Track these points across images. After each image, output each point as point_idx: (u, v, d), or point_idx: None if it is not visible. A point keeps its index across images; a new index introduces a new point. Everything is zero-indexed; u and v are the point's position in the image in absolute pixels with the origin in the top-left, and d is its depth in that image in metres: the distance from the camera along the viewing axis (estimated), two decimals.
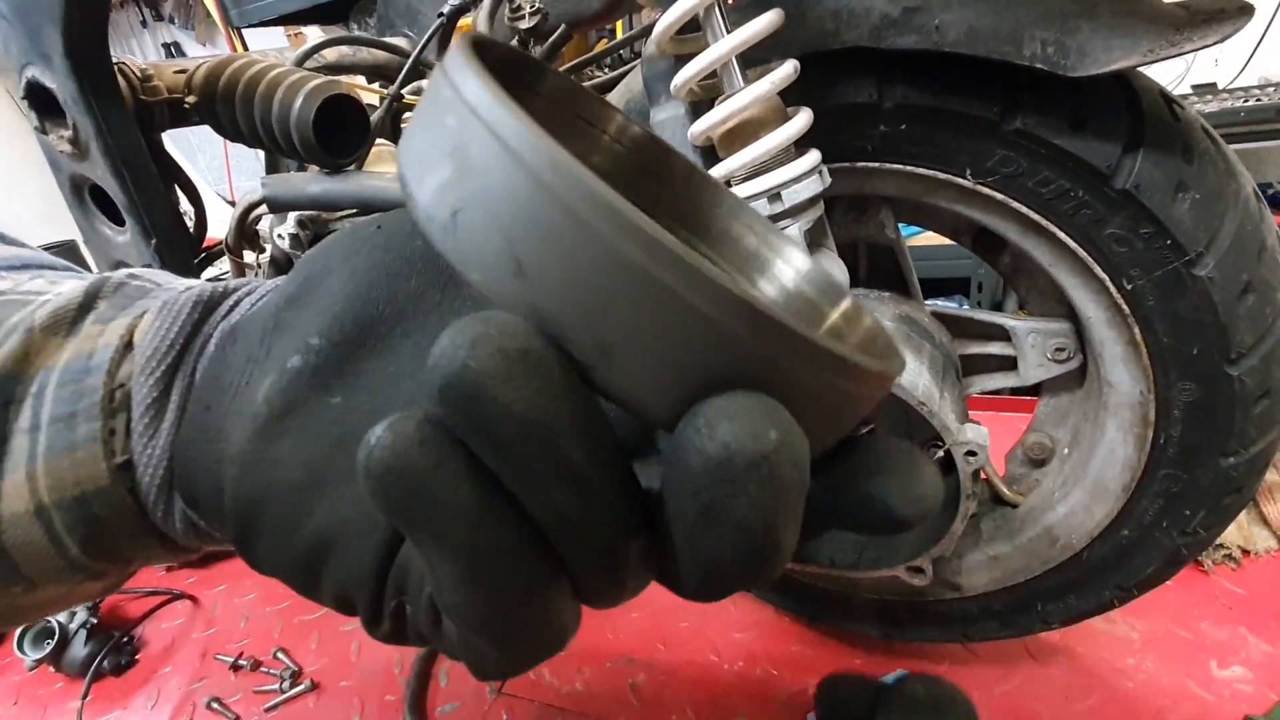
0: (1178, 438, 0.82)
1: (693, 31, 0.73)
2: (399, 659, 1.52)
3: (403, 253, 0.31)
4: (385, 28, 1.53)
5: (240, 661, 1.57)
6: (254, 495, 0.30)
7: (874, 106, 0.78)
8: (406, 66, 1.08)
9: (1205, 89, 2.89)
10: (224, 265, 1.41)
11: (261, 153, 1.24)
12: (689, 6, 0.66)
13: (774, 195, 0.71)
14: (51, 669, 1.56)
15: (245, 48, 4.19)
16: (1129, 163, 0.71)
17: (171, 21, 5.88)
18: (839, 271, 0.80)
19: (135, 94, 1.13)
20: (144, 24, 6.21)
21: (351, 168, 1.06)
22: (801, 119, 0.71)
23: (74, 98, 1.01)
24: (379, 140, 1.18)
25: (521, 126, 0.19)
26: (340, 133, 1.05)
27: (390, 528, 0.29)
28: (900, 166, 0.82)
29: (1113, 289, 0.78)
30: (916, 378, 0.82)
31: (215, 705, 1.45)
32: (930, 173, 0.80)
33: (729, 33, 0.68)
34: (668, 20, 0.68)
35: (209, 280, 1.30)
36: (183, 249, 1.20)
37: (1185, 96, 2.36)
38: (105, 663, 1.56)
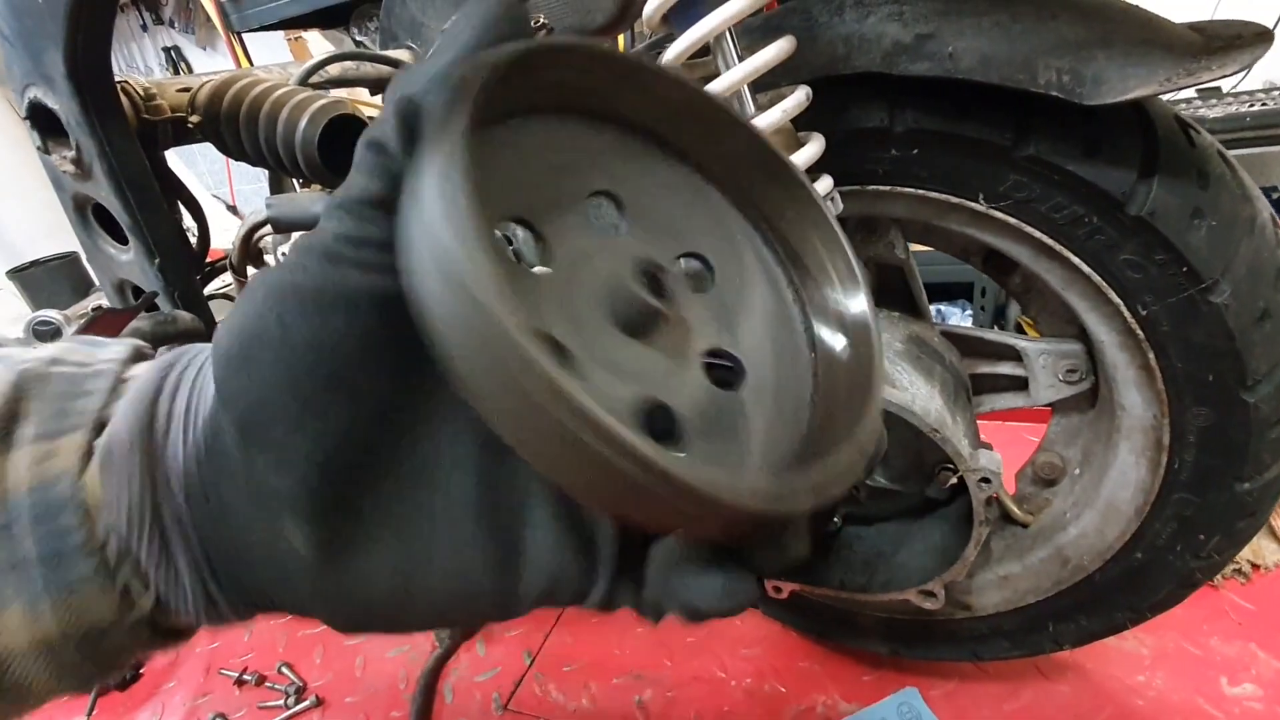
0: (1191, 462, 0.81)
1: (702, 56, 0.72)
2: (404, 674, 1.51)
3: (347, 328, 0.29)
4: (388, 40, 1.52)
5: (245, 676, 1.57)
6: (359, 614, 0.31)
7: (885, 131, 0.77)
8: None
9: (1210, 93, 2.87)
10: (228, 278, 1.40)
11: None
12: (702, 34, 0.66)
13: None
14: None
15: (245, 52, 4.18)
16: (1143, 189, 0.70)
17: (172, 25, 5.87)
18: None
19: (139, 113, 1.12)
20: (144, 28, 6.20)
21: None
22: (813, 146, 0.70)
23: (77, 119, 1.00)
24: None
25: (466, 279, 0.22)
26: (345, 152, 1.04)
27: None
28: (911, 190, 0.81)
29: (1127, 314, 0.77)
30: (928, 403, 0.81)
31: None
32: (942, 196, 0.80)
33: (740, 60, 0.67)
34: (679, 47, 0.68)
35: (208, 296, 1.27)
36: (186, 266, 1.19)
37: (1190, 101, 2.34)
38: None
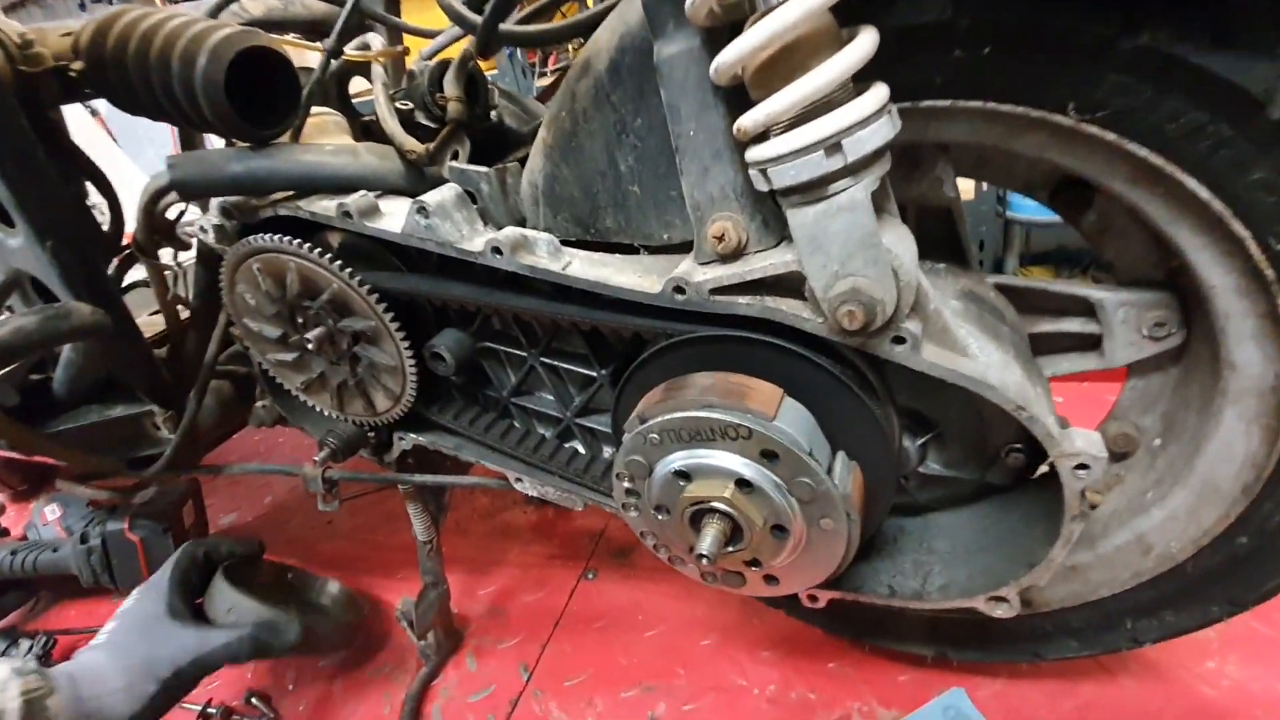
0: None
1: None
2: (387, 696, 1.36)
3: None
4: None
5: (210, 710, 1.40)
6: None
7: (946, 26, 0.60)
8: (343, 16, 0.88)
9: None
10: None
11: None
12: None
13: (832, 146, 0.53)
14: None
15: None
16: None
17: (110, 2, 5.47)
18: (908, 245, 0.62)
19: (13, 64, 0.92)
20: (82, 6, 5.79)
21: (282, 140, 0.86)
22: (865, 40, 0.53)
23: None
24: (318, 108, 0.98)
25: None
26: (266, 99, 0.85)
27: None
28: (977, 105, 0.64)
29: (1254, 249, 0.61)
30: (1005, 373, 0.65)
31: None
32: (1017, 110, 0.63)
33: None
34: None
35: (127, 286, 1.08)
36: (90, 250, 1.00)
37: None
38: None
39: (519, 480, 0.98)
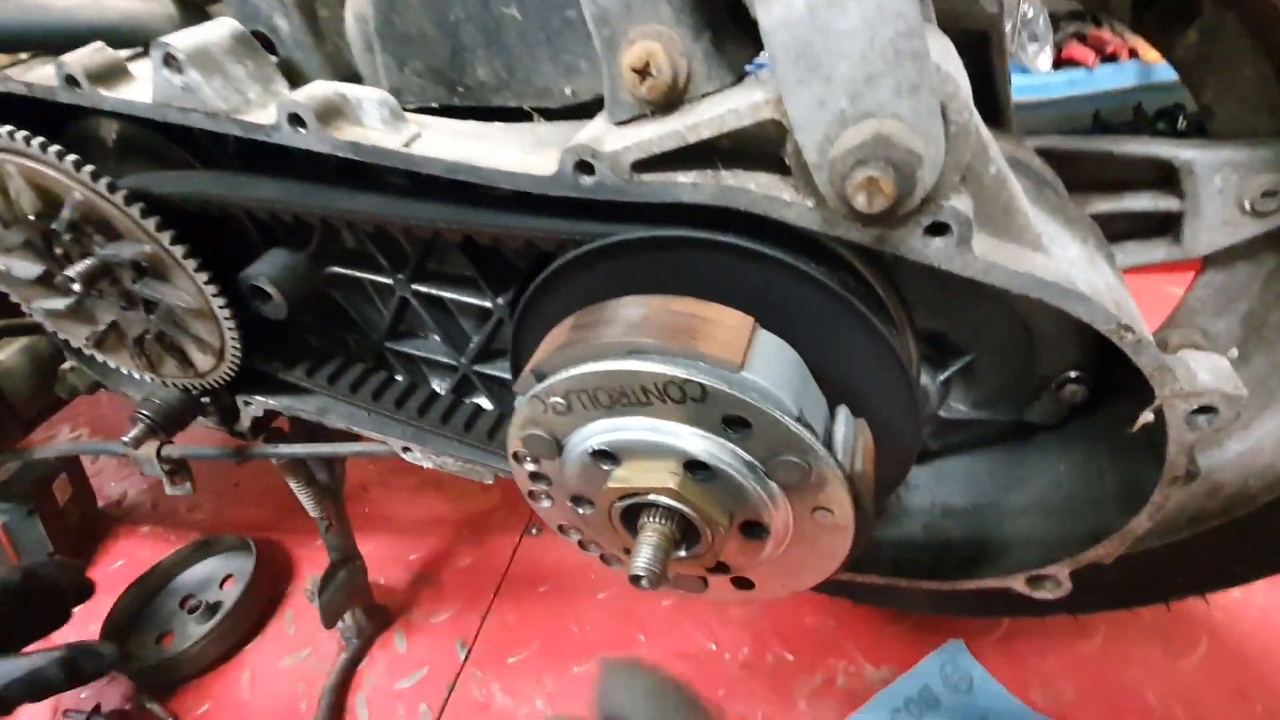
0: None
1: None
2: (303, 688, 1.16)
3: None
4: None
5: (97, 718, 1.19)
6: None
7: None
8: None
9: None
10: None
11: None
12: None
13: None
14: None
15: None
16: None
17: None
18: (957, 65, 0.37)
19: None
20: None
21: None
22: None
23: None
24: None
25: None
26: None
27: None
28: None
29: None
30: (1093, 275, 0.42)
31: None
32: None
33: None
34: None
35: None
36: None
37: None
38: None
39: (407, 450, 0.74)
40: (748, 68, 0.43)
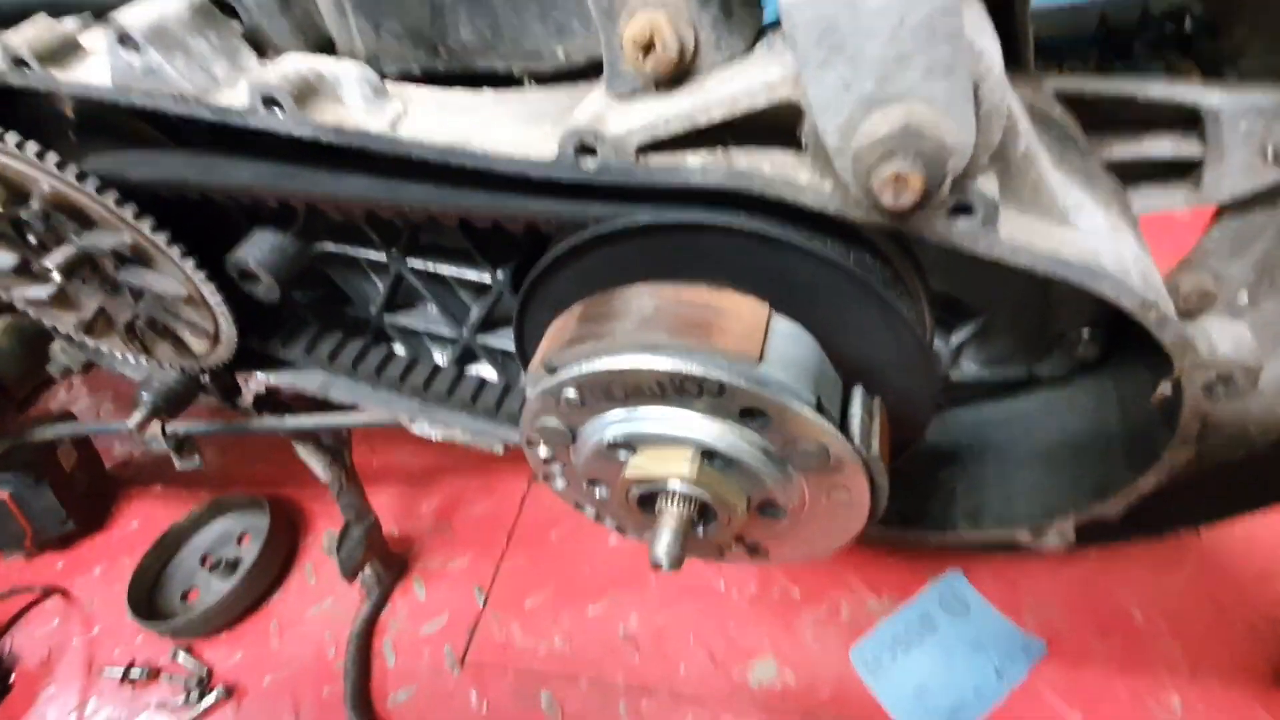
0: None
1: None
2: (330, 635, 1.21)
3: None
4: None
5: (133, 672, 1.24)
6: None
7: None
8: None
9: None
10: None
11: None
12: None
13: None
14: None
15: None
16: None
17: None
18: (989, 33, 0.34)
19: None
20: None
21: None
22: None
23: None
24: None
25: None
26: None
27: None
28: None
29: None
30: (1119, 247, 0.40)
31: None
32: None
33: None
34: None
35: None
36: None
37: None
38: None
39: (414, 422, 0.74)
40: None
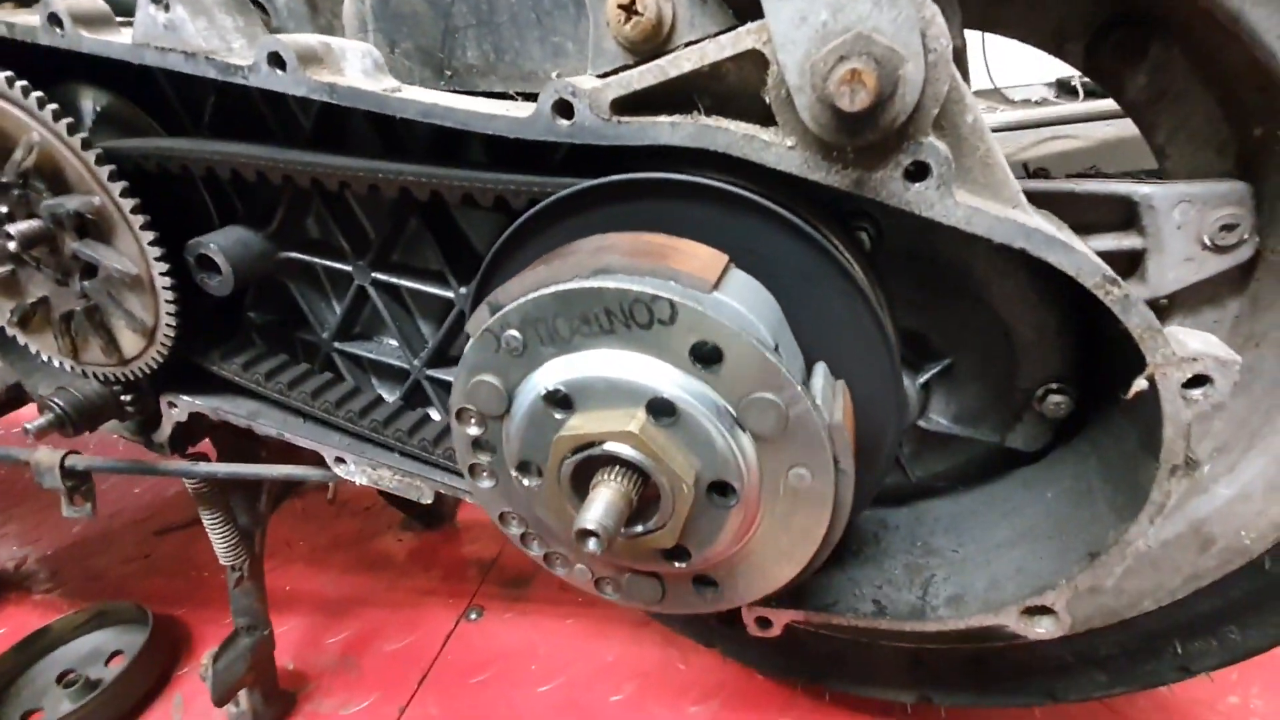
0: None
1: None
2: None
3: None
4: None
5: None
6: None
7: None
8: None
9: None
10: None
11: None
12: None
13: None
14: None
15: None
16: None
17: None
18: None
19: None
20: None
21: None
22: None
23: None
24: None
25: None
26: None
27: None
28: None
29: None
30: (1070, 239, 0.41)
31: None
32: None
33: None
34: None
35: None
36: None
37: None
38: None
39: (340, 461, 0.67)
40: None
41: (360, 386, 0.69)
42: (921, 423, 0.57)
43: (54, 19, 0.53)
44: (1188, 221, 0.58)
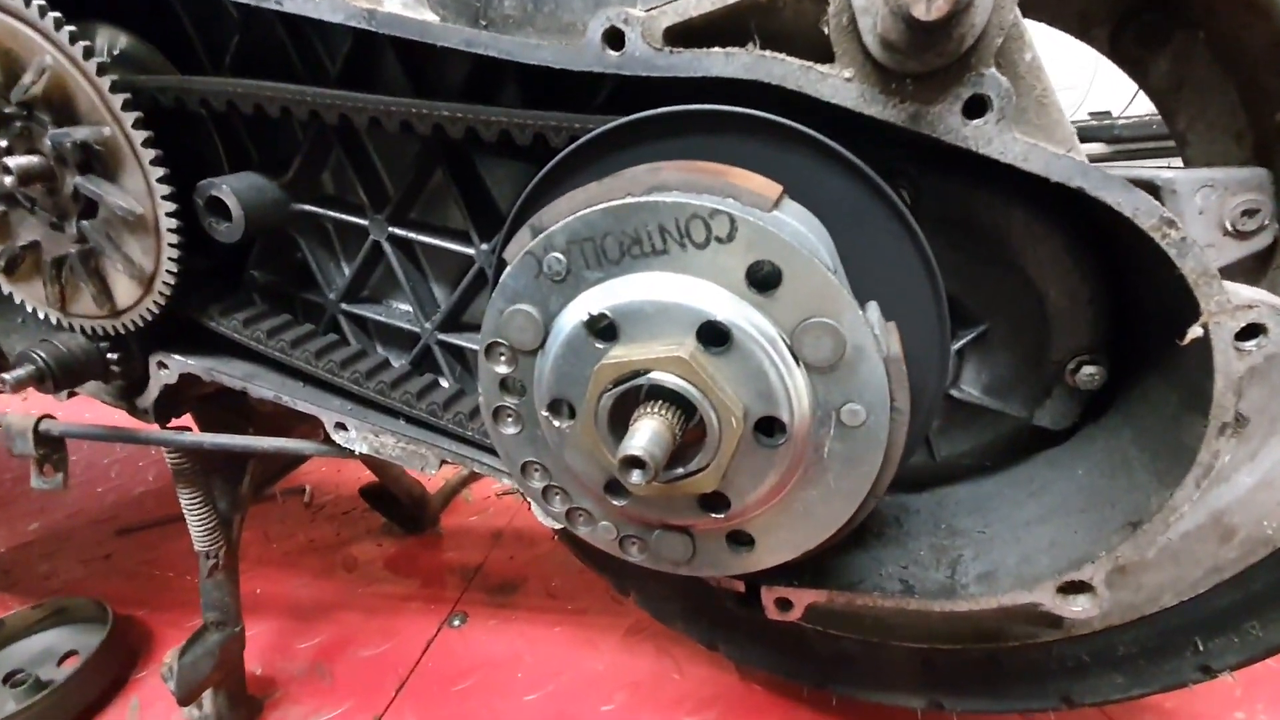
0: None
1: None
2: None
3: None
4: None
5: None
6: None
7: None
8: None
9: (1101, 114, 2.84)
10: None
11: None
12: None
13: None
14: None
15: None
16: None
17: None
18: None
19: None
20: None
21: None
22: None
23: None
24: None
25: None
26: None
27: None
28: None
29: None
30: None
31: None
32: None
33: None
34: None
35: None
36: None
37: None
38: None
39: (340, 428, 0.63)
40: None
41: (364, 349, 0.66)
42: (953, 392, 0.55)
43: None
44: (1209, 207, 0.59)
